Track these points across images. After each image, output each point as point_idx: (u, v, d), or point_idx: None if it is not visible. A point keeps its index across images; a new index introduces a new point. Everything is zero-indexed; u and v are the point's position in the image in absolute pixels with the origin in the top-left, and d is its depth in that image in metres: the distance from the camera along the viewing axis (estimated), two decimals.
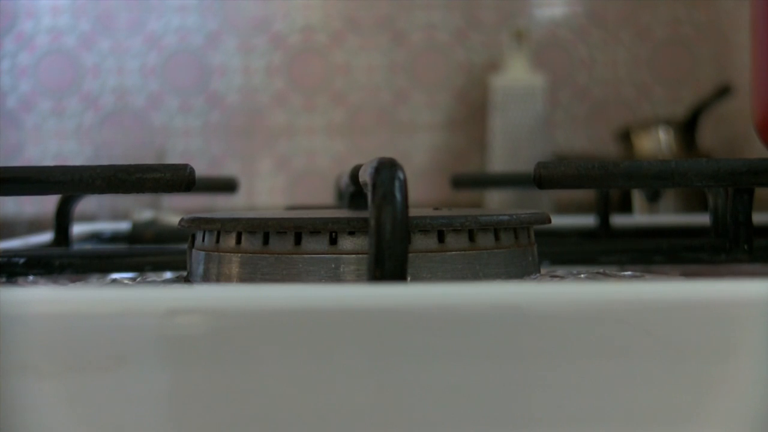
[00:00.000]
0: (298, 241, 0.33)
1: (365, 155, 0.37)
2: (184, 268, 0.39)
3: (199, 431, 0.23)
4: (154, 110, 1.20)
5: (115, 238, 0.62)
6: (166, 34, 1.20)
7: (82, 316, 0.23)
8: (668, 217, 0.80)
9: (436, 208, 0.39)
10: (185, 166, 0.37)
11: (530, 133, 1.10)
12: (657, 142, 1.08)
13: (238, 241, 0.35)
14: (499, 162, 1.10)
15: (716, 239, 0.44)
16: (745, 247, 0.42)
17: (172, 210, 0.95)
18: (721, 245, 0.43)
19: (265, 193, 1.20)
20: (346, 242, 0.33)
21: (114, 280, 0.41)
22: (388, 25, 1.21)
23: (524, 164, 1.06)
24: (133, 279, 0.41)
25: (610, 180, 0.38)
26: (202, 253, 0.36)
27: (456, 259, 0.34)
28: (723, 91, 1.08)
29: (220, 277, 0.35)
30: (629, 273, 0.39)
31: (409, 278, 0.29)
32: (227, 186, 0.64)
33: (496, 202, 1.08)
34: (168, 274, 0.45)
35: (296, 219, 0.34)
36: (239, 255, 0.34)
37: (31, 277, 0.43)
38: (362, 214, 0.34)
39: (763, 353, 0.23)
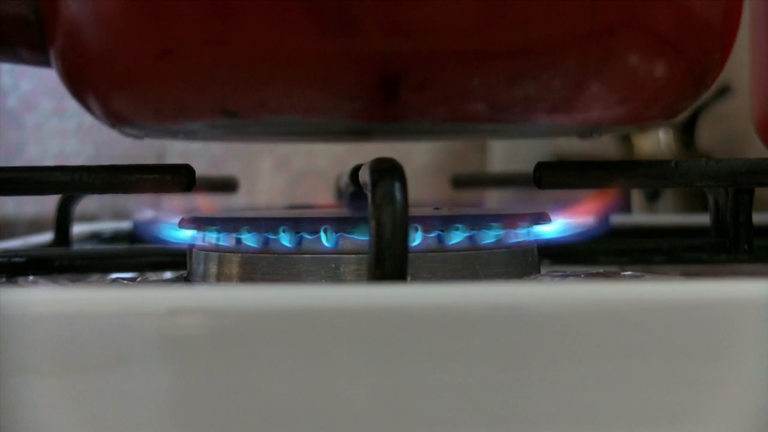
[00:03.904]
0: (298, 241, 0.34)
1: (365, 155, 0.37)
2: (184, 268, 0.39)
3: (199, 431, 0.23)
4: None
5: (115, 238, 0.62)
6: None
7: (82, 316, 0.23)
8: (668, 217, 0.80)
9: (436, 208, 0.39)
10: (185, 166, 0.37)
11: None
12: (657, 142, 1.08)
13: (238, 241, 0.35)
14: (499, 162, 1.10)
15: (716, 239, 0.44)
16: (745, 247, 0.42)
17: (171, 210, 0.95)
18: (721, 245, 0.43)
19: (265, 193, 1.20)
20: (346, 242, 0.33)
21: (114, 280, 0.41)
22: None
23: (524, 164, 1.06)
24: (133, 279, 0.41)
25: (610, 180, 0.38)
26: (202, 253, 0.36)
27: (456, 259, 0.34)
28: (723, 91, 1.08)
29: (220, 277, 0.35)
30: (629, 273, 0.39)
31: (409, 278, 0.29)
32: (227, 186, 0.64)
33: (496, 202, 1.08)
34: (168, 274, 0.45)
35: (296, 219, 0.34)
36: (239, 255, 0.34)
37: (31, 277, 0.43)
38: (362, 214, 0.34)
39: (763, 353, 0.23)
